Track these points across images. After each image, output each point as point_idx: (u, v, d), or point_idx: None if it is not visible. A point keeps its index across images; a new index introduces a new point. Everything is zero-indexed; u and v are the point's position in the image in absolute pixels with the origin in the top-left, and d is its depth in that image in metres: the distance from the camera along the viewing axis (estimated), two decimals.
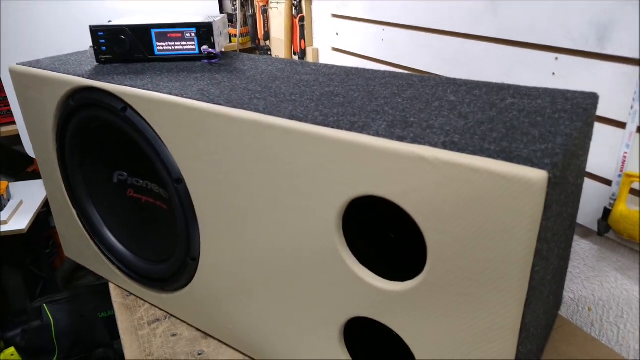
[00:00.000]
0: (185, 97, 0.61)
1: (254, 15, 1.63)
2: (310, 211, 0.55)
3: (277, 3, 1.45)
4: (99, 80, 0.70)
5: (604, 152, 0.70)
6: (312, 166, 0.52)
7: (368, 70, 0.73)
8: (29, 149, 1.47)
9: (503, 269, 0.44)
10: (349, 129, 0.50)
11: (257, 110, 0.56)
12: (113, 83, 0.68)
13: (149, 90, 0.65)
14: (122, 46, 0.77)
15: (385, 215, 0.60)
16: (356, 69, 0.74)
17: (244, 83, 0.67)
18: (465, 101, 0.58)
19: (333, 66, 0.76)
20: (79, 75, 0.72)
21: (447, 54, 0.92)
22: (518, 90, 0.61)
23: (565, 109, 0.54)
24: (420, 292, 0.50)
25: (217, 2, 1.51)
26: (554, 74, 0.74)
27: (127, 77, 0.71)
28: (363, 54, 1.15)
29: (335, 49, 1.27)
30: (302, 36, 1.37)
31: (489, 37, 0.83)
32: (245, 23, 1.65)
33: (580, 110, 0.54)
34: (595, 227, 0.72)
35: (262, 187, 0.58)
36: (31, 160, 1.93)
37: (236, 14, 1.67)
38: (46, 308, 1.62)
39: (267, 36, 1.59)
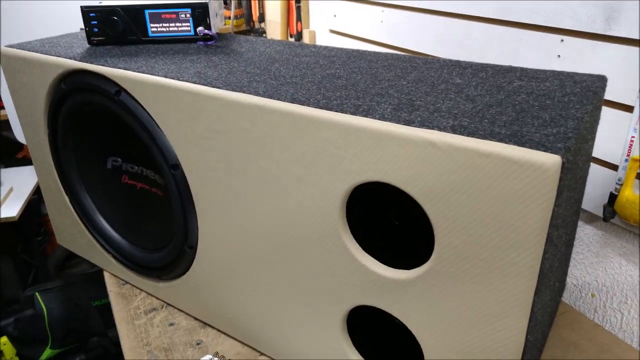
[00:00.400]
0: (182, 80, 0.59)
1: None
2: (312, 198, 0.53)
3: None
4: (92, 62, 0.67)
5: (610, 136, 0.68)
6: (314, 151, 0.50)
7: (370, 52, 0.71)
8: (19, 135, 1.44)
9: (514, 256, 0.43)
10: (353, 113, 0.48)
11: (256, 94, 0.54)
12: (106, 66, 0.66)
13: (143, 73, 0.62)
14: (115, 27, 0.74)
15: (387, 201, 0.58)
16: (357, 51, 0.72)
17: (242, 65, 0.65)
18: (472, 84, 0.56)
19: (333, 48, 0.74)
20: (70, 58, 0.70)
21: (449, 35, 0.89)
22: (525, 72, 0.60)
23: (575, 92, 0.53)
24: (426, 280, 0.49)
25: None
26: (559, 56, 0.72)
27: (121, 59, 0.69)
28: (362, 37, 1.13)
29: (332, 31, 1.25)
30: (299, 18, 1.34)
31: (491, 18, 0.81)
32: (239, 5, 1.62)
33: (589, 94, 0.53)
34: (600, 213, 0.71)
35: (262, 173, 0.56)
36: (21, 146, 1.90)
37: None
38: (39, 296, 1.60)
39: (262, 18, 1.56)
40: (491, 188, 0.41)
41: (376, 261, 0.53)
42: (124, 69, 0.64)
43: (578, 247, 0.78)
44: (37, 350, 1.58)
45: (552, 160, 0.38)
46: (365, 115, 0.47)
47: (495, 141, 0.41)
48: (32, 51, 0.74)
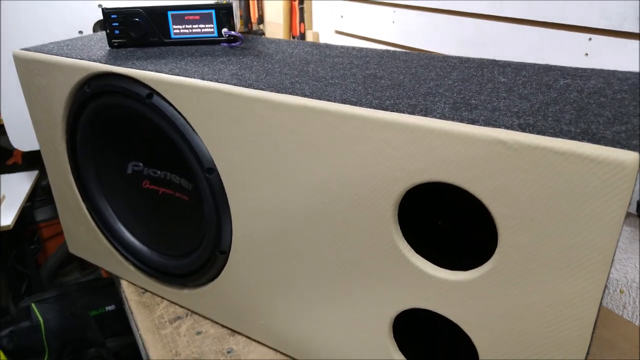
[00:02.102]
0: (221, 82, 0.57)
1: None
2: (365, 200, 0.52)
3: None
4: (119, 65, 0.65)
5: None
6: (369, 152, 0.50)
7: (401, 52, 0.70)
8: (15, 140, 1.39)
9: (585, 254, 0.42)
10: (412, 112, 0.47)
11: (303, 95, 0.53)
12: (135, 68, 0.64)
13: (177, 75, 0.61)
14: (137, 29, 0.72)
15: (435, 202, 0.57)
16: (387, 50, 0.71)
17: (277, 67, 0.64)
18: (518, 82, 0.56)
19: (362, 48, 0.73)
20: (94, 61, 0.67)
21: (468, 37, 0.89)
22: (566, 70, 0.60)
23: (624, 89, 0.53)
24: (486, 281, 0.48)
25: None
26: (586, 54, 0.73)
27: (148, 62, 0.67)
28: (371, 37, 1.12)
29: (338, 32, 1.24)
30: (302, 19, 1.33)
31: (513, 17, 0.81)
32: (238, 6, 1.60)
33: (639, 91, 0.53)
34: (632, 209, 0.71)
35: (308, 176, 0.55)
36: (10, 153, 1.84)
37: None
38: (35, 307, 1.55)
39: (260, 20, 1.55)
40: (565, 186, 0.41)
41: (430, 263, 0.52)
42: (155, 71, 0.62)
43: None
44: None
45: (631, 158, 0.38)
46: (425, 115, 0.46)
47: (568, 139, 0.41)
48: (52, 54, 0.71)
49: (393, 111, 0.48)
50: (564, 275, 0.44)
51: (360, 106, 0.49)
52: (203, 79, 0.59)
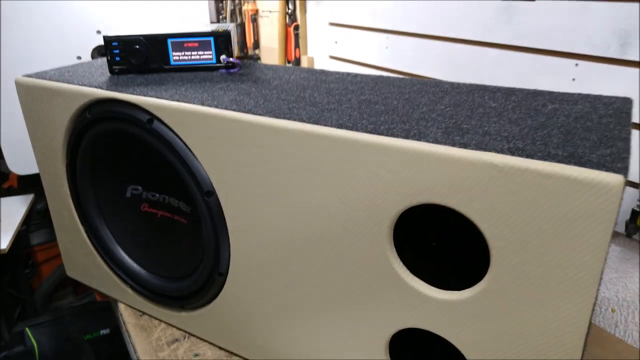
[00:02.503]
0: (220, 108, 0.59)
1: (242, 24, 1.61)
2: (360, 222, 0.54)
3: (269, 12, 1.44)
4: (120, 91, 0.67)
5: (632, 155, 0.71)
6: (365, 176, 0.51)
7: (394, 78, 0.72)
8: (12, 164, 1.40)
9: (573, 274, 0.44)
10: (405, 137, 0.49)
11: (301, 120, 0.55)
12: (136, 94, 0.66)
13: (177, 101, 0.62)
14: (138, 56, 0.74)
15: (428, 224, 0.59)
16: (381, 76, 0.74)
17: (275, 93, 0.66)
18: (508, 107, 0.58)
19: (357, 74, 0.75)
20: (95, 87, 0.69)
21: (458, 62, 0.92)
22: (553, 95, 0.62)
23: (609, 114, 0.55)
24: (479, 301, 0.49)
25: (207, 11, 1.49)
26: (574, 79, 0.75)
27: (149, 87, 0.68)
28: (365, 62, 1.15)
29: (333, 57, 1.27)
30: (297, 45, 1.36)
31: (503, 44, 0.84)
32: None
33: (623, 115, 0.55)
34: (621, 229, 0.73)
35: (305, 201, 0.57)
36: (6, 176, 1.85)
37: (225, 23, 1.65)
38: (29, 332, 1.54)
39: (256, 45, 1.58)
40: (553, 208, 0.43)
41: (425, 283, 0.53)
42: (155, 97, 0.64)
43: None
44: None
45: (615, 180, 0.40)
46: (419, 139, 0.48)
47: (556, 162, 0.43)
48: (53, 80, 0.73)
49: (388, 135, 0.50)
50: (554, 294, 0.45)
51: (356, 131, 0.51)
52: (203, 104, 0.61)
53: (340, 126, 0.53)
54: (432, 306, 0.53)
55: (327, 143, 0.52)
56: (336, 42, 1.23)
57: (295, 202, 0.57)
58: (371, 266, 0.55)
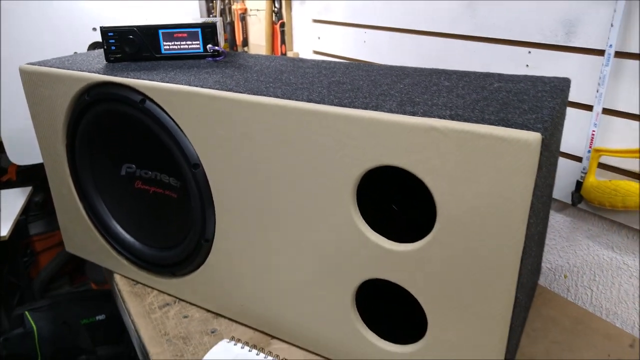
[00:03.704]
0: (205, 87, 0.67)
1: (232, 23, 1.69)
2: (328, 184, 0.61)
3: (257, 11, 1.52)
4: (115, 75, 0.74)
5: (575, 132, 0.79)
6: (331, 143, 0.59)
7: (365, 64, 0.80)
8: (12, 155, 1.47)
9: (504, 220, 0.51)
10: (365, 108, 0.57)
11: (275, 96, 0.62)
12: (129, 77, 0.73)
13: (167, 82, 0.70)
14: (132, 45, 0.81)
15: (386, 188, 0.67)
16: (353, 63, 0.81)
17: (255, 76, 0.73)
18: (459, 85, 0.65)
19: (331, 61, 0.83)
20: (93, 72, 0.77)
21: (429, 52, 1.00)
22: (502, 76, 0.70)
23: (545, 90, 0.63)
24: (429, 250, 0.57)
25: (198, 11, 1.57)
26: (527, 65, 0.83)
27: (142, 72, 0.76)
28: (345, 56, 1.23)
29: (316, 52, 1.35)
30: (283, 41, 1.44)
31: (467, 35, 0.92)
32: (224, 30, 1.72)
33: (558, 91, 0.63)
34: (569, 200, 0.81)
35: (280, 168, 0.64)
36: (5, 170, 1.92)
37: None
38: (28, 315, 1.61)
39: (245, 42, 1.66)
40: (485, 163, 0.50)
41: (384, 238, 0.61)
42: (148, 79, 0.72)
43: (550, 234, 0.88)
44: None
45: (533, 137, 0.47)
46: (376, 109, 0.56)
47: (487, 124, 0.50)
48: (54, 67, 0.80)
49: (350, 107, 0.57)
50: (490, 241, 0.53)
51: (323, 104, 0.59)
52: (190, 85, 0.68)
53: (310, 100, 0.60)
54: (391, 258, 0.60)
55: (298, 115, 0.60)
56: (319, 38, 1.31)
57: (272, 170, 0.65)
58: (338, 224, 0.62)
